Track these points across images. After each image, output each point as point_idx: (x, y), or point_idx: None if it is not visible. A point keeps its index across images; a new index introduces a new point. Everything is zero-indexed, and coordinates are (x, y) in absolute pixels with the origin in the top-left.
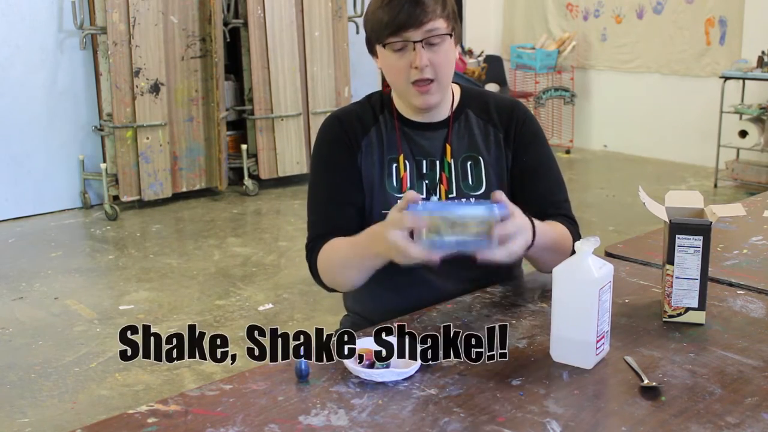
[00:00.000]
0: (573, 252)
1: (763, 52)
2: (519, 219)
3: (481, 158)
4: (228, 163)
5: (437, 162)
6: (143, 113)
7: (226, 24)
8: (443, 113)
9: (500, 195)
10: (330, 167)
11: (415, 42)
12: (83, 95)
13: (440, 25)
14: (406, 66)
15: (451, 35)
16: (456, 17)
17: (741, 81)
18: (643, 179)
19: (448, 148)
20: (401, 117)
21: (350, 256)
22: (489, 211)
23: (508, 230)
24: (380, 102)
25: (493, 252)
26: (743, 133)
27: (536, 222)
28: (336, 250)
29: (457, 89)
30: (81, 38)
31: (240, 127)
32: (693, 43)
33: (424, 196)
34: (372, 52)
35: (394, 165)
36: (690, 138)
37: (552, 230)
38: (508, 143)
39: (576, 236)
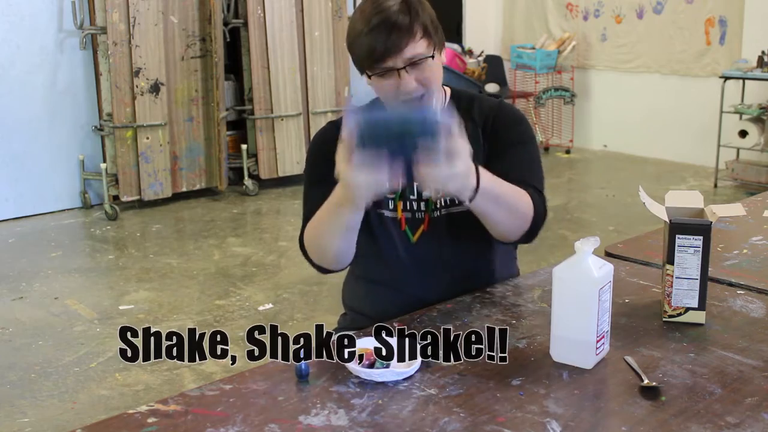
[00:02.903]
0: (534, 221)
1: (763, 52)
2: (462, 143)
3: None
4: (228, 163)
5: None
6: (143, 113)
7: (226, 24)
8: None
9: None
10: (322, 162)
11: (398, 69)
12: (83, 95)
13: (420, 48)
14: (393, 89)
15: (433, 56)
16: (435, 26)
17: (741, 81)
18: (643, 179)
19: None
20: None
21: (324, 218)
22: (429, 115)
23: (452, 145)
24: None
25: (437, 166)
26: (743, 133)
27: (481, 168)
28: (314, 220)
29: (447, 92)
30: (81, 38)
31: (240, 127)
32: (693, 43)
33: (414, 195)
34: (361, 72)
35: None
36: (690, 138)
37: (505, 185)
38: (485, 134)
39: (539, 204)
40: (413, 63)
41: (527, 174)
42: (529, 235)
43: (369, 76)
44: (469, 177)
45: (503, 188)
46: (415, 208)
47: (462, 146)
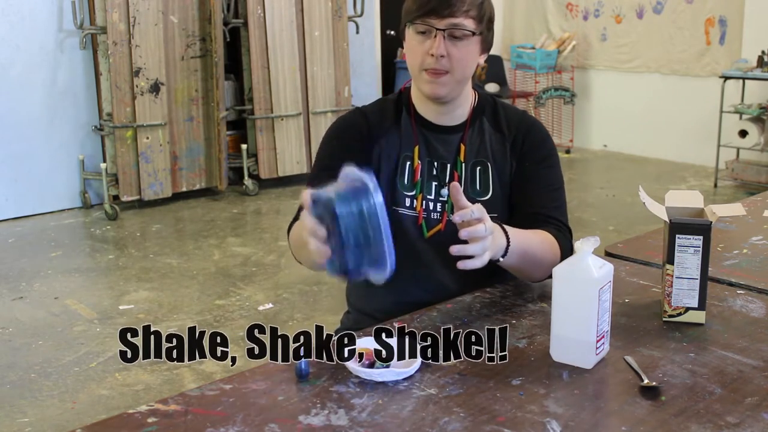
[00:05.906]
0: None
1: (763, 52)
2: (487, 223)
3: (489, 164)
4: (228, 162)
5: (448, 165)
6: (143, 113)
7: (226, 24)
8: (460, 117)
9: (457, 193)
10: (339, 146)
11: (437, 29)
12: (83, 95)
13: (468, 23)
14: (424, 51)
15: (474, 34)
16: (490, 26)
17: (741, 81)
18: (643, 179)
19: (463, 147)
20: (420, 118)
21: (299, 239)
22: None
23: (476, 232)
24: (402, 102)
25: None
26: (743, 133)
27: (510, 228)
28: (295, 229)
29: (474, 94)
30: (81, 38)
31: (240, 126)
32: (693, 43)
33: (432, 195)
34: (402, 36)
35: (408, 163)
36: (690, 138)
37: (532, 238)
38: (514, 152)
39: (566, 246)
40: (453, 33)
41: (551, 204)
42: None
43: (408, 26)
44: (498, 240)
45: (531, 242)
46: (431, 208)
47: (485, 223)
